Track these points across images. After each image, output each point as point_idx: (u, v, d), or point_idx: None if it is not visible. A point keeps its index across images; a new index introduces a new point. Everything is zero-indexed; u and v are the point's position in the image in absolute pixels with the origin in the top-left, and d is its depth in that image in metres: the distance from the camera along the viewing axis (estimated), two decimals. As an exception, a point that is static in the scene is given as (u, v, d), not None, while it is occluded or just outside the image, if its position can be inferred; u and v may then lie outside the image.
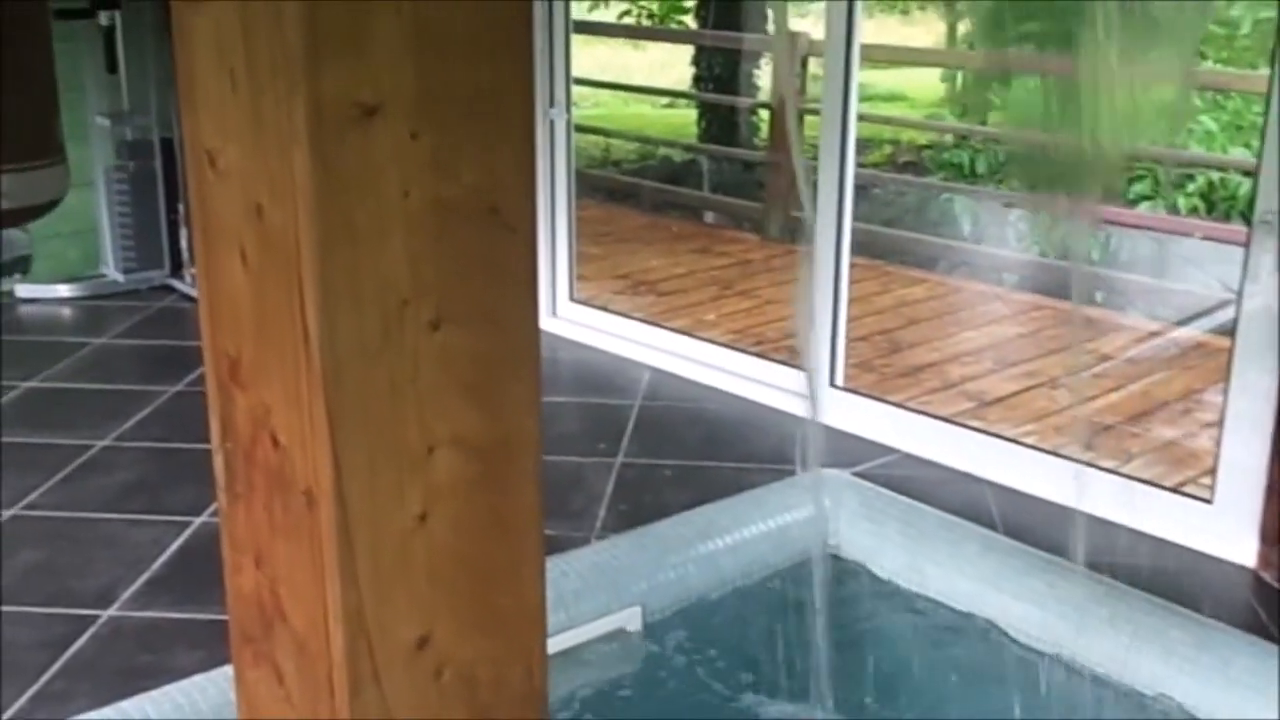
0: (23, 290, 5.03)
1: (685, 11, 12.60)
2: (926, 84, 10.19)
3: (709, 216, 7.64)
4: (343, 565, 1.09)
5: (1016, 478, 3.48)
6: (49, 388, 4.13)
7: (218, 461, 1.25)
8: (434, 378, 1.10)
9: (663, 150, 9.40)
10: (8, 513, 3.26)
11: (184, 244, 5.08)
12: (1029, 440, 3.72)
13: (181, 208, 5.05)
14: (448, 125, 1.06)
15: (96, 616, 2.80)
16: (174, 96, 4.95)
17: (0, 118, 2.76)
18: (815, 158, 3.87)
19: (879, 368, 4.41)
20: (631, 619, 2.91)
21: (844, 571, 3.18)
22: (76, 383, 4.18)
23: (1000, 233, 6.61)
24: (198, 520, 3.23)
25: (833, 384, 3.92)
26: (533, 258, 1.14)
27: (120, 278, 5.11)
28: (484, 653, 1.18)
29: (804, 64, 6.36)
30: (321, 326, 1.04)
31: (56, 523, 3.22)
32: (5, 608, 2.83)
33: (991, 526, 3.25)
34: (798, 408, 3.95)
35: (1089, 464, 3.55)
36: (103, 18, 4.42)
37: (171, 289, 5.13)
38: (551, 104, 4.53)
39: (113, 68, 4.58)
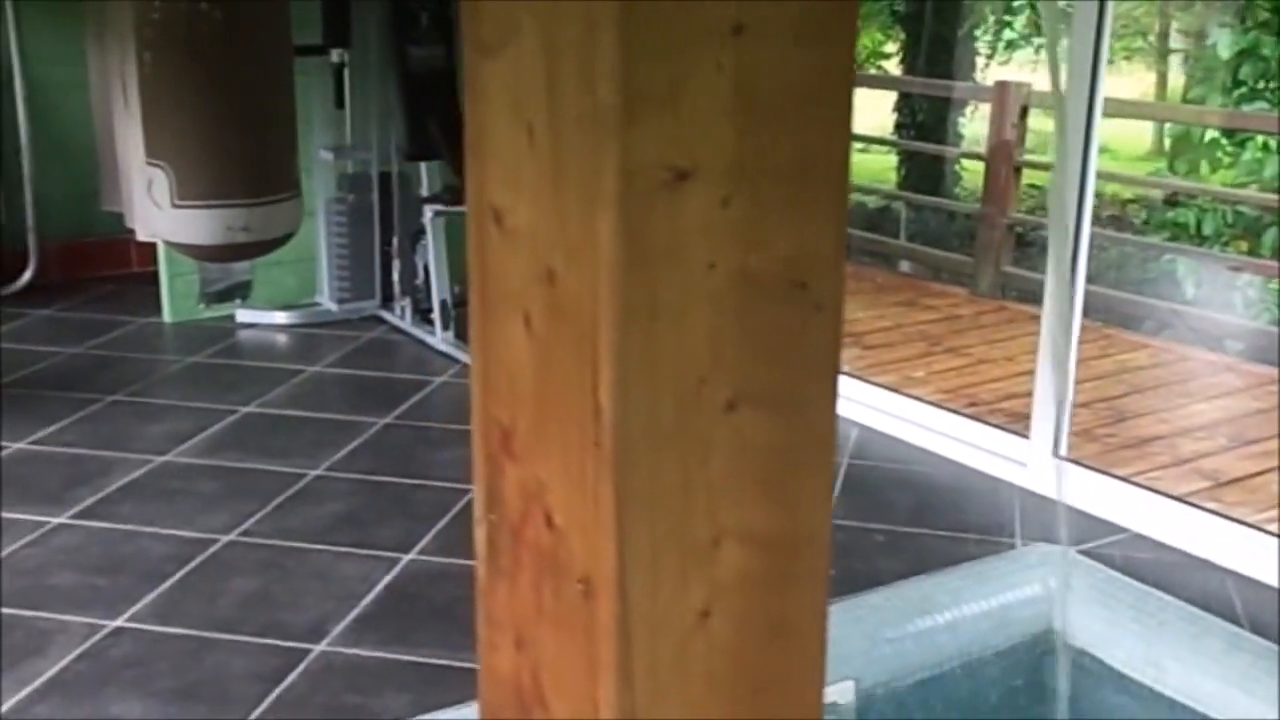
0: (242, 315, 5.18)
1: (886, 57, 12.41)
2: (1127, 135, 9.79)
3: (904, 266, 7.44)
4: (619, 661, 1.00)
5: (1262, 569, 3.22)
6: (266, 413, 4.22)
7: (479, 533, 1.18)
8: (726, 464, 1.01)
9: (857, 195, 9.24)
10: (225, 538, 3.31)
11: (395, 277, 5.16)
12: (1274, 528, 3.45)
13: (395, 241, 5.14)
14: (760, 192, 0.97)
15: (308, 651, 2.81)
16: (393, 132, 5.06)
17: (247, 153, 2.82)
18: (1030, 212, 3.69)
19: (1102, 437, 4.17)
20: (844, 693, 2.77)
21: (1071, 659, 2.98)
22: (291, 409, 4.26)
23: (1227, 298, 6.25)
24: (406, 558, 3.22)
25: (1056, 454, 3.71)
26: (838, 338, 1.04)
27: (334, 307, 5.22)
28: (754, 762, 1.09)
29: (1023, 115, 6.15)
30: (615, 405, 0.96)
31: (270, 551, 3.26)
32: (221, 635, 2.86)
33: (1234, 621, 3.01)
34: (1015, 475, 3.75)
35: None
36: (334, 55, 4.53)
37: (381, 320, 5.21)
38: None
39: (340, 103, 4.69)
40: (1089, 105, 3.52)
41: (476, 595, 1.23)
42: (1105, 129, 3.63)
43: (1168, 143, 9.02)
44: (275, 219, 2.89)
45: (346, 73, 4.72)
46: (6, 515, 3.42)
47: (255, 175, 2.82)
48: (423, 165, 4.79)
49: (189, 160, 2.76)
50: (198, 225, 2.80)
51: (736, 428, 1.00)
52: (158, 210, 2.87)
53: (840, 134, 1.00)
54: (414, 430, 4.08)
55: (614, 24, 0.89)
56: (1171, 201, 7.16)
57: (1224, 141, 6.88)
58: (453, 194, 4.44)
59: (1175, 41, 11.47)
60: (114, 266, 5.84)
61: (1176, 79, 11.16)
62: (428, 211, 4.77)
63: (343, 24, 4.51)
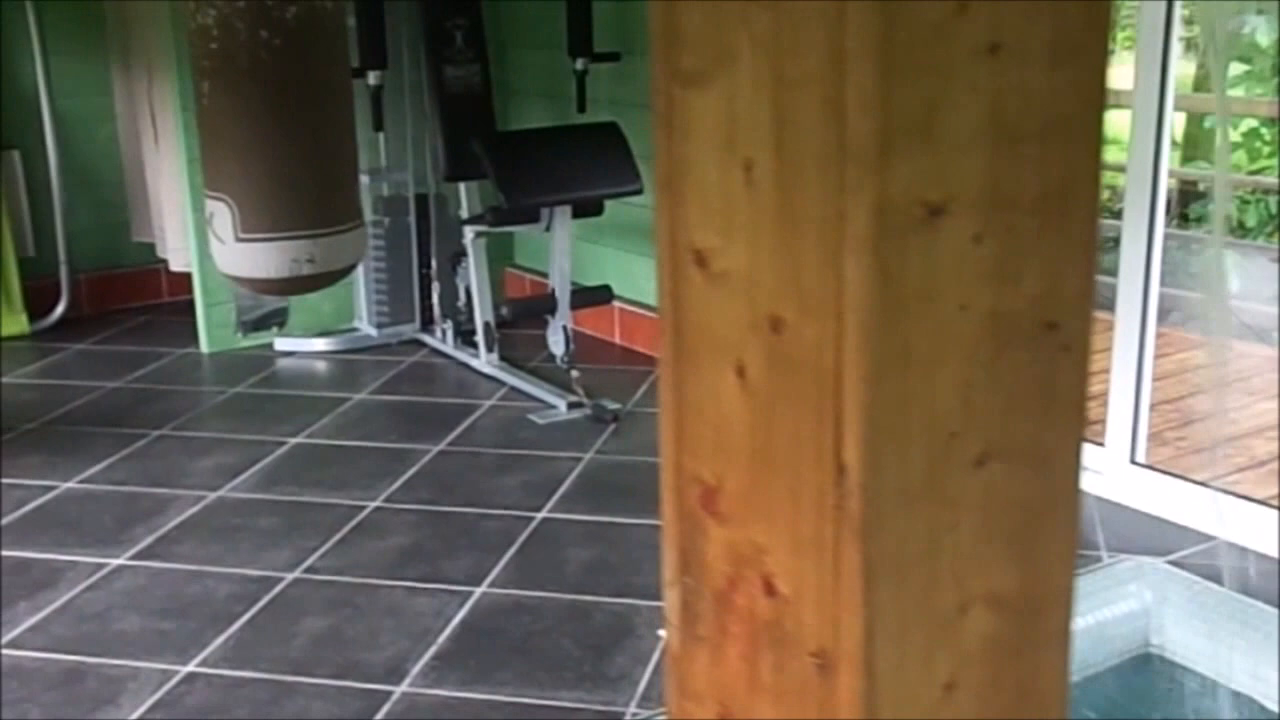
0: (280, 343, 5.11)
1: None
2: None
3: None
4: (863, 742, 0.92)
5: (1358, 574, 3.13)
6: (315, 444, 4.14)
7: (671, 595, 1.10)
8: (974, 524, 0.93)
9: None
10: (290, 576, 3.23)
11: (434, 299, 5.08)
12: (1362, 530, 3.35)
13: (434, 263, 5.06)
14: (1012, 227, 0.89)
15: (389, 693, 2.72)
16: (429, 154, 4.98)
17: (310, 183, 2.74)
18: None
19: (1173, 441, 4.08)
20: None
21: (1173, 676, 2.89)
22: (341, 439, 4.18)
23: (1273, 290, 6.15)
24: (478, 590, 3.14)
25: (1133, 460, 3.62)
26: (1086, 382, 0.95)
27: (373, 332, 5.14)
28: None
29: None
30: (863, 464, 0.87)
31: (338, 588, 3.17)
32: (298, 679, 2.77)
33: (1337, 630, 2.91)
34: (1093, 484, 3.66)
35: None
36: (371, 77, 4.46)
37: (421, 344, 5.13)
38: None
39: (379, 126, 4.61)
40: (1160, 99, 3.43)
41: (666, 662, 1.15)
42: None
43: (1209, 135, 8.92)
44: (340, 250, 2.81)
45: (384, 95, 4.64)
46: (64, 557, 3.34)
47: (319, 205, 2.74)
48: (461, 186, 4.72)
49: (252, 192, 2.68)
50: (262, 258, 2.72)
51: (986, 484, 0.92)
52: (219, 244, 2.79)
53: (1091, 160, 0.92)
54: (468, 457, 3.99)
55: (872, 49, 0.80)
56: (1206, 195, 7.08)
57: (1264, 131, 6.79)
58: (494, 214, 4.36)
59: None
60: (145, 297, 5.77)
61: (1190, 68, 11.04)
62: (468, 233, 4.68)
63: (379, 46, 4.43)
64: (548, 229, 4.35)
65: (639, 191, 4.34)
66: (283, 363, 5.00)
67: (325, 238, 2.78)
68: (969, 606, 0.94)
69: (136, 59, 5.37)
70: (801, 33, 0.86)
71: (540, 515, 3.56)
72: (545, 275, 5.53)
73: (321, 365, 5.00)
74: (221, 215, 2.74)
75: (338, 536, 3.44)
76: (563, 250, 4.35)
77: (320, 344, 5.09)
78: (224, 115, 2.66)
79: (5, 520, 3.57)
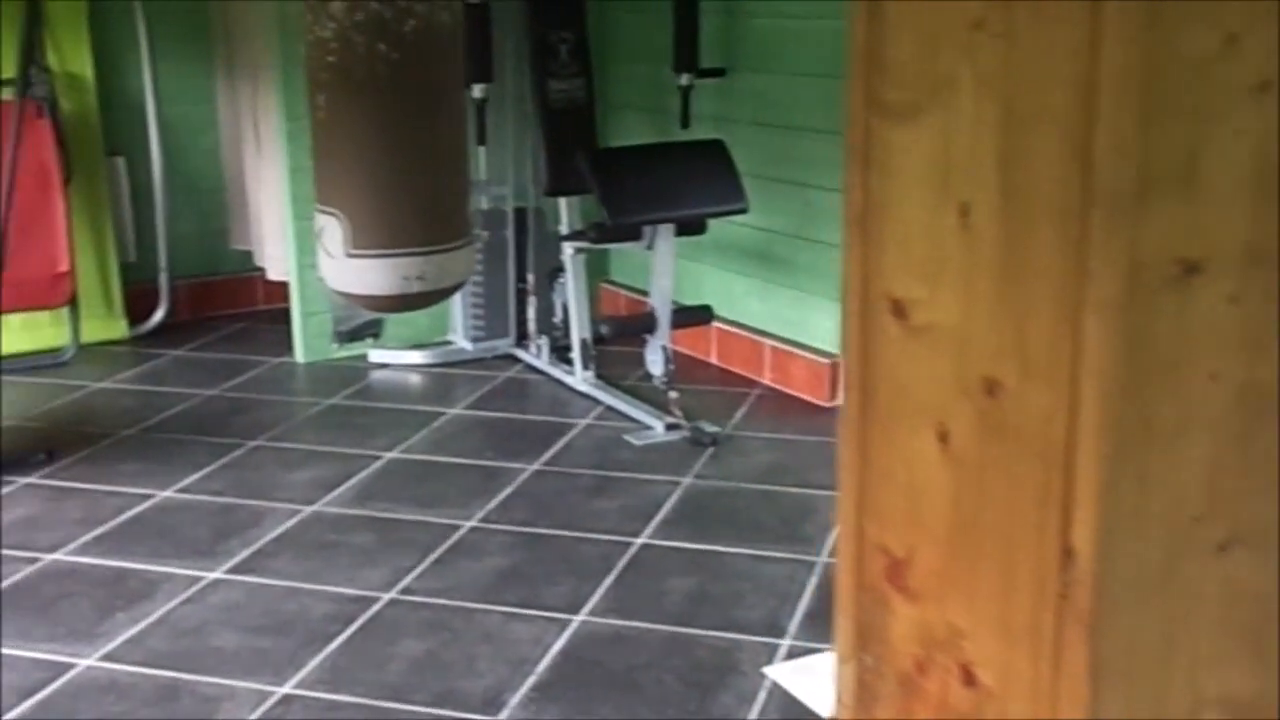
0: (375, 355, 5.09)
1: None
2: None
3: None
4: None
5: None
6: (410, 459, 4.10)
7: (844, 672, 1.00)
8: (1212, 617, 0.82)
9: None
10: (386, 596, 3.18)
11: (530, 314, 5.03)
12: None
13: (531, 278, 5.02)
14: (1271, 287, 0.79)
15: (488, 725, 2.65)
16: (531, 167, 4.94)
17: (423, 199, 2.69)
18: None
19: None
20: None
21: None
22: (435, 455, 4.14)
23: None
24: (577, 619, 3.06)
25: None
26: (1341, 458, 0.85)
27: (468, 346, 5.11)
28: None
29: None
30: (1096, 551, 0.77)
31: (434, 610, 3.12)
32: (396, 705, 2.72)
33: None
34: None
35: None
36: (476, 90, 4.42)
37: (515, 359, 5.08)
38: (926, 181, 4.24)
39: (483, 139, 4.57)
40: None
41: (834, 743, 1.05)
42: None
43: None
44: (450, 267, 2.75)
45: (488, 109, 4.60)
46: (160, 569, 3.32)
47: (431, 222, 2.69)
48: (562, 201, 4.66)
49: (364, 207, 2.63)
50: (372, 275, 2.67)
51: (1227, 573, 0.82)
52: (328, 258, 2.75)
53: (1360, 211, 0.81)
54: (565, 478, 3.93)
55: (1131, 87, 0.71)
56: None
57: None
58: (597, 231, 4.30)
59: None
60: (241, 304, 5.79)
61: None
62: (567, 249, 4.63)
63: (486, 60, 4.39)
64: (649, 247, 4.28)
65: (744, 210, 4.26)
66: (377, 375, 4.98)
67: (436, 255, 2.73)
68: (1201, 709, 0.83)
69: (241, 68, 5.40)
70: (1040, 66, 0.76)
71: (639, 541, 3.48)
72: (641, 292, 5.47)
73: (415, 378, 4.97)
74: (332, 229, 2.70)
75: (433, 556, 3.39)
76: (665, 269, 4.27)
77: (415, 357, 5.07)
78: (339, 128, 2.61)
79: (103, 528, 3.57)
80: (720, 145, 4.29)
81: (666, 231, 4.23)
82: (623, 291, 5.55)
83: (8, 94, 4.95)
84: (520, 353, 5.09)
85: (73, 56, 5.14)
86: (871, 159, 0.91)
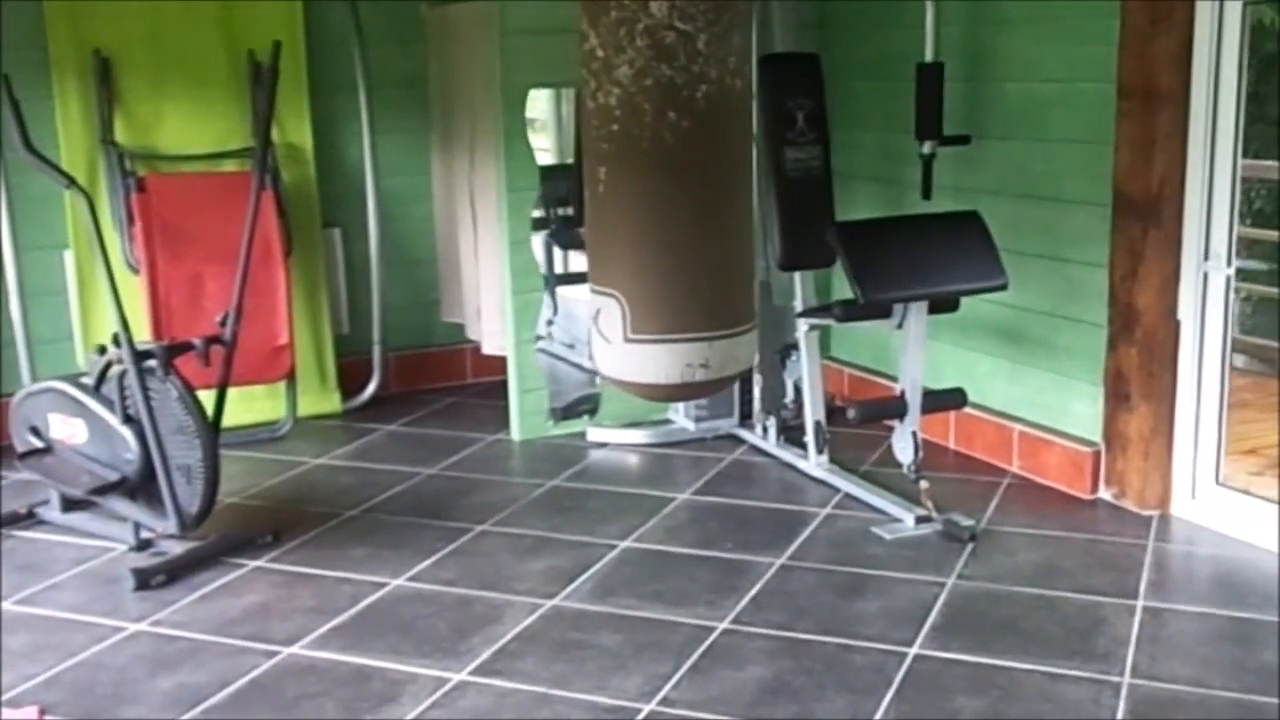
0: (593, 434, 4.89)
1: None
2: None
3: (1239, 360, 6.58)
4: None
5: None
6: (645, 549, 3.86)
7: None
8: None
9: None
10: (646, 708, 2.92)
11: (755, 393, 4.78)
12: None
13: (757, 356, 4.76)
14: None
15: None
16: (763, 240, 4.70)
17: (709, 279, 2.46)
18: None
19: None
20: None
21: None
22: (672, 545, 3.89)
23: None
24: (861, 744, 2.76)
25: None
26: None
27: (690, 425, 4.88)
28: None
29: None
30: None
31: (701, 727, 2.85)
32: (679, 841, 2.45)
33: None
34: None
35: None
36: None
37: (739, 440, 4.83)
38: (1207, 256, 3.89)
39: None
40: None
41: None
42: None
43: None
44: (734, 353, 2.52)
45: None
46: (404, 668, 3.13)
47: (716, 304, 2.46)
48: (797, 275, 4.41)
49: (647, 288, 2.42)
50: (652, 363, 2.45)
51: None
52: (604, 344, 2.54)
53: None
54: (817, 575, 3.64)
55: None
56: None
57: None
58: (844, 309, 4.03)
59: None
60: (450, 377, 5.69)
61: None
62: (802, 325, 4.37)
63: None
64: (900, 325, 3.99)
65: (1004, 287, 3.95)
66: (595, 454, 4.77)
67: (721, 340, 2.50)
68: None
69: (457, 139, 5.32)
70: None
71: (912, 651, 3.16)
72: (864, 370, 5.18)
73: (635, 459, 4.75)
74: (610, 312, 2.49)
75: (689, 662, 3.13)
76: (916, 349, 3.97)
77: (634, 435, 4.86)
78: (622, 203, 2.41)
79: (339, 619, 3.41)
80: (977, 217, 4.00)
81: (919, 310, 3.94)
82: (845, 369, 5.26)
83: (231, 164, 4.94)
84: (744, 433, 4.84)
85: (293, 127, 5.12)
86: None
